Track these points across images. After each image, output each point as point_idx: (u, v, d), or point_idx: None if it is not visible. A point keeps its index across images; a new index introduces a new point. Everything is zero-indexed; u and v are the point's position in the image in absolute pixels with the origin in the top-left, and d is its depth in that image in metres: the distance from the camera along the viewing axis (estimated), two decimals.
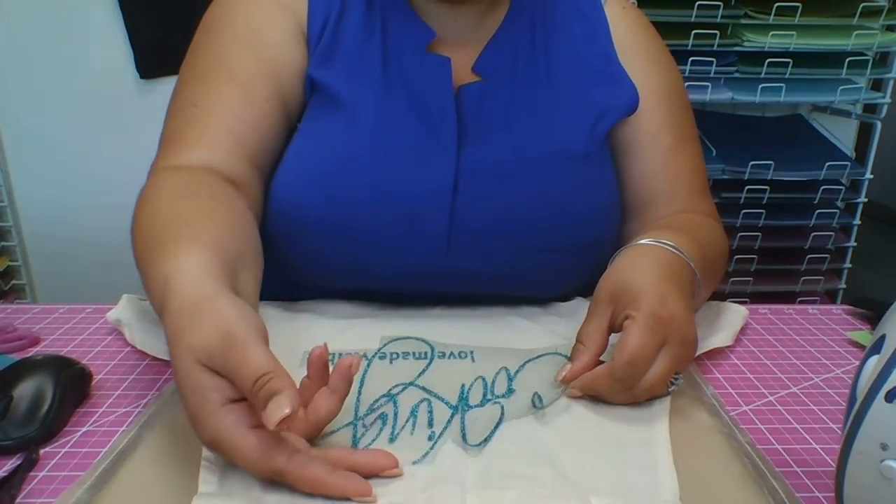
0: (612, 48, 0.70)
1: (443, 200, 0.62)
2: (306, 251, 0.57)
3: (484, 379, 0.54)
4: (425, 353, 0.57)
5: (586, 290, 0.70)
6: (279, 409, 0.37)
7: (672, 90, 0.72)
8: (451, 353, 0.57)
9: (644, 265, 0.53)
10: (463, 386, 0.53)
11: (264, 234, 0.62)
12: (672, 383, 0.51)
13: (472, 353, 0.57)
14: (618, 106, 0.68)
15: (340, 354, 0.57)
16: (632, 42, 0.71)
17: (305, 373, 0.47)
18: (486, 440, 0.46)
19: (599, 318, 0.53)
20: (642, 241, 0.57)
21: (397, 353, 0.57)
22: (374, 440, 0.46)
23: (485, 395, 0.52)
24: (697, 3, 1.36)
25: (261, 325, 0.43)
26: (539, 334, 0.61)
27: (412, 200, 0.62)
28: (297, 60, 0.66)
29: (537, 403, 0.50)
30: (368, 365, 0.55)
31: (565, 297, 0.70)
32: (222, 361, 0.40)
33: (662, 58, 0.73)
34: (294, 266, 0.67)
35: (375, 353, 0.57)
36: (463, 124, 0.64)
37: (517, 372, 0.55)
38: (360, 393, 0.52)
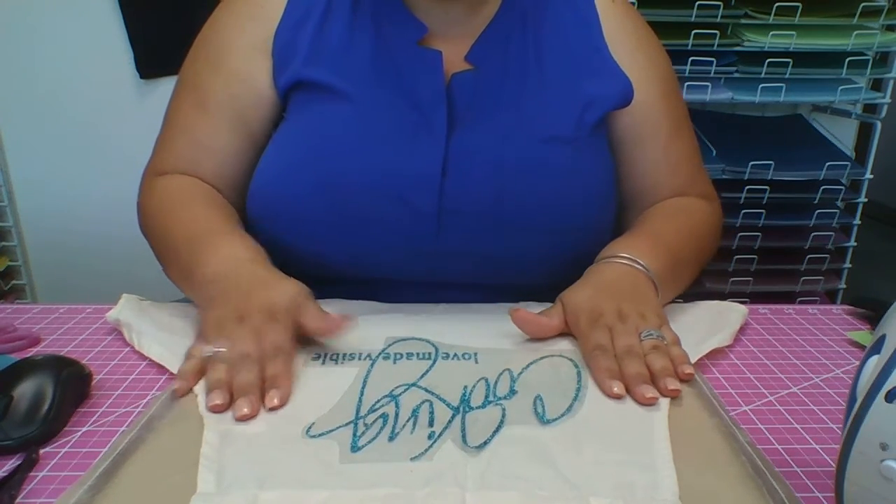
0: (602, 41, 0.72)
1: (431, 182, 0.64)
2: (297, 236, 0.60)
3: (487, 380, 0.54)
4: (429, 354, 0.57)
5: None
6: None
7: (666, 80, 0.75)
8: (455, 355, 0.57)
9: (584, 285, 0.62)
10: (465, 387, 0.53)
11: (252, 228, 0.69)
12: (649, 335, 0.56)
13: (475, 354, 0.57)
14: (608, 96, 0.70)
15: (345, 356, 0.57)
16: (623, 36, 0.73)
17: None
18: (485, 443, 0.46)
19: (557, 308, 0.61)
20: (601, 260, 0.65)
21: (401, 354, 0.57)
22: (373, 439, 0.46)
23: (487, 396, 0.52)
24: (697, 2, 1.35)
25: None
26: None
27: (401, 182, 0.64)
28: (260, 71, 0.69)
29: (539, 412, 0.50)
30: (372, 366, 0.55)
31: (560, 287, 0.70)
32: (295, 316, 0.55)
33: (654, 49, 0.75)
34: (285, 255, 0.68)
35: (379, 354, 0.57)
36: (454, 111, 0.66)
37: (520, 374, 0.55)
38: (362, 393, 0.52)
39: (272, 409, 0.49)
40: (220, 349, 0.52)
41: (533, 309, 0.66)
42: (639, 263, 0.63)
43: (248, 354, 0.52)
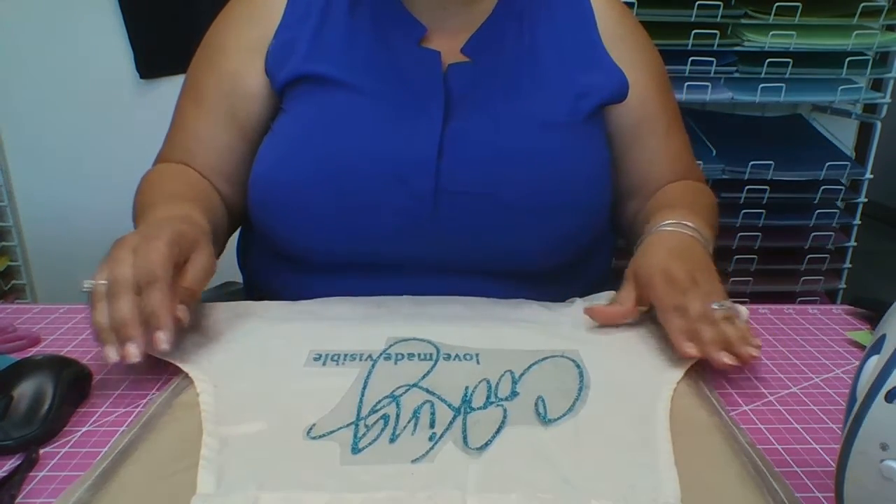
0: (597, 37, 0.74)
1: (428, 163, 0.66)
2: (297, 220, 0.63)
3: (488, 381, 0.54)
4: (430, 355, 0.57)
5: (579, 271, 0.74)
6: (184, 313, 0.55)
7: (661, 75, 0.78)
8: (457, 355, 0.57)
9: (654, 250, 0.64)
10: (467, 388, 0.53)
11: (254, 216, 0.71)
12: (721, 306, 0.58)
13: (477, 355, 0.57)
14: (602, 88, 0.72)
15: (346, 356, 0.57)
16: (620, 34, 0.76)
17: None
18: (486, 444, 0.46)
19: (629, 288, 0.63)
20: (660, 228, 0.66)
21: (402, 355, 0.57)
22: (374, 440, 0.46)
23: (488, 397, 0.52)
24: (697, 2, 1.35)
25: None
26: (543, 336, 0.61)
27: (398, 163, 0.66)
28: (255, 71, 0.72)
29: (541, 411, 0.50)
30: (373, 366, 0.55)
31: (557, 274, 0.72)
32: (186, 247, 0.56)
33: (648, 46, 0.78)
34: (286, 242, 0.69)
35: (381, 355, 0.57)
36: (450, 100, 0.68)
37: (522, 375, 0.55)
38: (363, 395, 0.52)
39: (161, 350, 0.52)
40: (101, 281, 0.53)
41: (531, 308, 0.67)
42: (693, 228, 0.66)
43: (120, 280, 0.52)
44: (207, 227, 0.64)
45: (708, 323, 0.56)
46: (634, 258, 0.65)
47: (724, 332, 0.56)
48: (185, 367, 0.54)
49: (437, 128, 0.67)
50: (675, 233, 0.66)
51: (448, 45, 0.70)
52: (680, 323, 0.57)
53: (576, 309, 0.67)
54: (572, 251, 0.72)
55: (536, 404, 0.51)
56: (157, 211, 0.63)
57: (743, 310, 0.68)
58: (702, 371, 0.58)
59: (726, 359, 0.55)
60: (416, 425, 0.48)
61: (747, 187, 1.45)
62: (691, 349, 0.55)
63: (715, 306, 0.58)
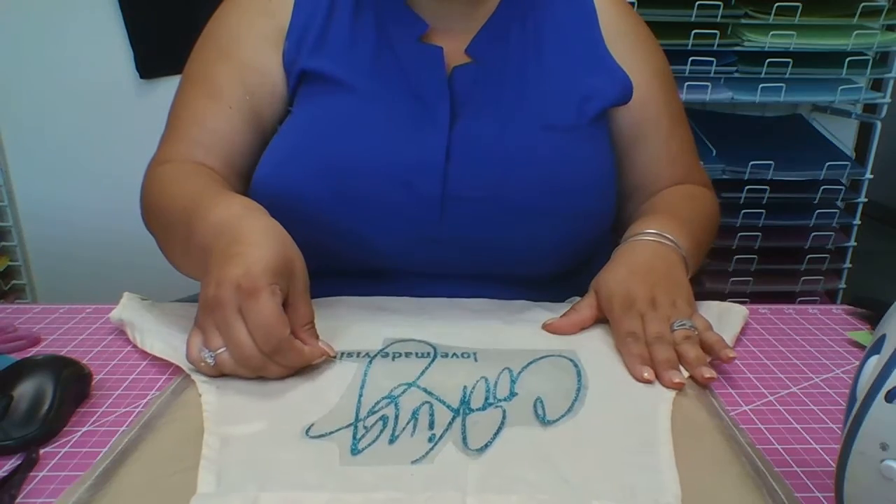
0: (599, 35, 0.74)
1: (435, 168, 0.65)
2: (300, 223, 0.60)
3: (486, 380, 0.53)
4: (428, 353, 0.57)
5: (581, 273, 0.73)
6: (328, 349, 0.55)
7: (664, 74, 0.77)
8: (454, 354, 0.57)
9: (618, 266, 0.63)
10: (465, 388, 0.52)
11: None
12: (682, 325, 0.57)
13: (474, 353, 0.57)
14: (607, 91, 0.72)
15: (343, 354, 0.57)
16: (623, 32, 0.75)
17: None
18: (486, 446, 0.46)
19: (590, 299, 0.63)
20: (633, 238, 0.66)
21: (400, 353, 0.57)
22: (374, 441, 0.46)
23: (487, 398, 0.51)
24: (697, 2, 1.35)
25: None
26: (542, 336, 0.61)
27: (405, 167, 0.65)
28: (272, 64, 0.70)
29: (540, 412, 0.50)
30: (370, 364, 0.55)
31: (561, 278, 0.72)
32: (286, 276, 0.52)
33: (651, 46, 0.78)
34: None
35: (378, 353, 0.57)
36: (456, 102, 0.68)
37: (520, 374, 0.55)
38: (361, 395, 0.51)
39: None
40: (219, 351, 0.51)
41: (530, 309, 0.67)
42: (668, 238, 0.65)
43: (246, 355, 0.49)
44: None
45: (662, 343, 0.56)
46: (601, 271, 0.64)
47: (682, 353, 0.56)
48: (187, 368, 0.54)
49: (444, 132, 0.66)
50: (647, 243, 0.65)
51: (451, 47, 0.69)
52: (634, 348, 0.56)
53: None
54: (578, 254, 0.72)
55: (535, 405, 0.51)
56: (214, 210, 0.55)
57: (742, 309, 0.68)
58: None
59: (676, 378, 0.53)
60: (415, 426, 0.48)
61: (747, 187, 1.45)
62: (647, 374, 0.54)
63: (675, 326, 0.57)
